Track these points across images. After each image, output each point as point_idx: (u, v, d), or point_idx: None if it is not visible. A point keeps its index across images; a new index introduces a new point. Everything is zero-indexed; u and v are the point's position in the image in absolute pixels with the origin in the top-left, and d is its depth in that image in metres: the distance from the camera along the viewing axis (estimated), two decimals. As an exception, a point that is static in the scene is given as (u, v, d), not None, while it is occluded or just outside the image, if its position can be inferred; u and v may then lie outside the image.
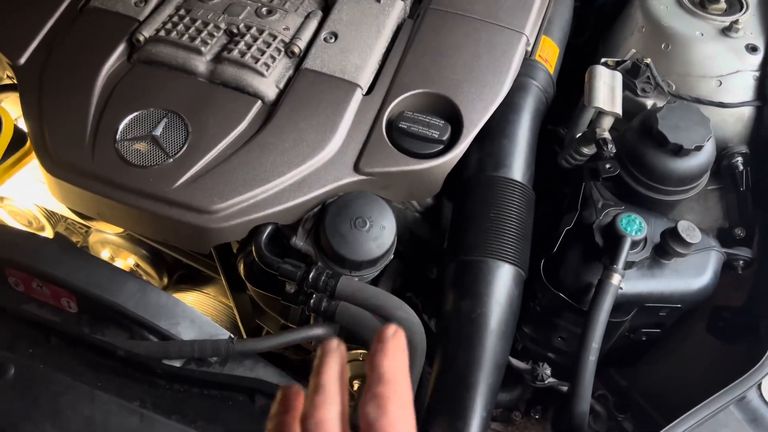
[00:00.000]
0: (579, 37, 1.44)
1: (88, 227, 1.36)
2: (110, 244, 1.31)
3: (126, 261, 1.35)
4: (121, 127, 1.00)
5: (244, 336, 1.37)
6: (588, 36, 1.45)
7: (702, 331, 1.11)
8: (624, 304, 1.00)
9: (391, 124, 1.04)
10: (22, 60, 1.10)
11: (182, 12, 1.13)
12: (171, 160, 0.98)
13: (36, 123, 1.03)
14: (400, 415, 0.47)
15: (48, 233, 1.37)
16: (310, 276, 0.93)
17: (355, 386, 1.29)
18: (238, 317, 1.31)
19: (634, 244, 0.97)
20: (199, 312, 0.98)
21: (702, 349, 1.10)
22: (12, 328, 0.91)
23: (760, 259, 1.08)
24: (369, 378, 0.49)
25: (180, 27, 1.10)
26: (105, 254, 1.35)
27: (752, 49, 1.19)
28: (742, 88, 1.17)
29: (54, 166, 1.00)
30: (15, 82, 1.11)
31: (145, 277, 1.38)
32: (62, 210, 1.27)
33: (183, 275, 1.41)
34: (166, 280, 1.39)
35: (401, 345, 0.51)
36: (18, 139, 1.10)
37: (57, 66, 1.08)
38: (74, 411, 0.80)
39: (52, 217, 1.35)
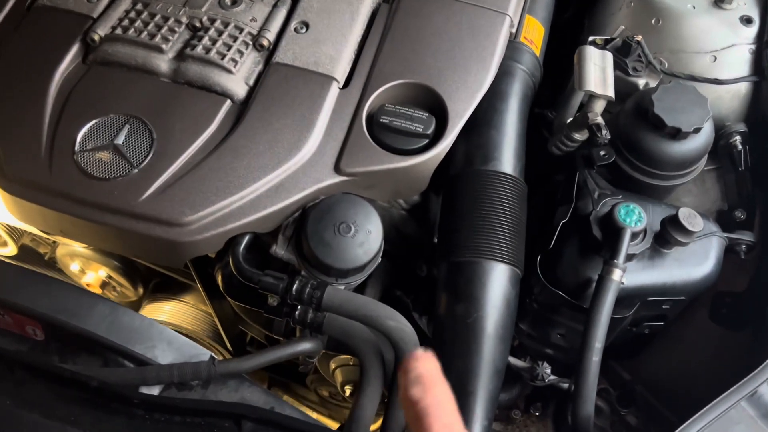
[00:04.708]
0: (562, 14, 1.38)
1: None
2: (79, 256, 1.24)
3: (97, 273, 1.27)
4: (79, 137, 0.93)
5: (228, 345, 1.32)
6: (572, 12, 1.39)
7: (704, 319, 1.08)
8: (625, 299, 0.95)
9: (371, 119, 0.98)
10: (-34, 67, 1.02)
11: (139, 6, 1.05)
12: (136, 170, 0.91)
13: (-14, 136, 0.96)
14: (445, 399, 0.50)
15: (11, 249, 1.29)
16: (294, 288, 0.87)
17: (347, 392, 1.25)
18: (219, 326, 1.25)
19: (634, 236, 0.93)
20: (176, 333, 0.92)
21: (705, 337, 1.07)
22: (-29, 362, 0.85)
23: (762, 243, 1.04)
24: (405, 379, 0.52)
25: (138, 23, 1.02)
26: (75, 267, 1.28)
27: (747, 20, 1.14)
28: (737, 62, 1.12)
29: (8, 182, 0.93)
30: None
31: (118, 289, 1.31)
32: (24, 225, 1.19)
33: (159, 284, 1.34)
34: (141, 290, 1.32)
35: (434, 360, 0.54)
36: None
37: (5, 72, 1.00)
38: (45, 452, 0.75)
39: (14, 232, 1.27)
